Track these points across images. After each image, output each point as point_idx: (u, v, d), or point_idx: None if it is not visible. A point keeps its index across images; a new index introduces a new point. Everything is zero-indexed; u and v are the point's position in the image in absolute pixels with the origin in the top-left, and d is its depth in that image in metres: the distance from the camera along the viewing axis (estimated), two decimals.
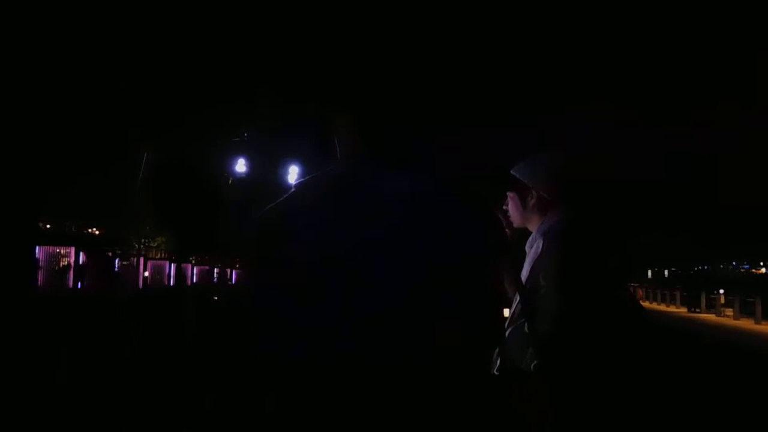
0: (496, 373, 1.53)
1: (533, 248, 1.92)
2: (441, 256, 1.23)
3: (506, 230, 2.04)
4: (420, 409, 1.18)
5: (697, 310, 24.23)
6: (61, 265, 19.32)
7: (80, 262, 19.72)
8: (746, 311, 20.25)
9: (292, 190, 1.41)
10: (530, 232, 2.01)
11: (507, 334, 1.86)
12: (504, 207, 2.05)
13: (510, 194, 2.02)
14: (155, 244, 40.16)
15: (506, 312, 1.99)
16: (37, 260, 19.14)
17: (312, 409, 1.20)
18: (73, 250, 21.17)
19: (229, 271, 34.22)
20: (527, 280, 1.87)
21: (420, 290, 1.21)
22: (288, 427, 1.22)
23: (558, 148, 2.03)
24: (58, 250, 20.83)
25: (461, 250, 1.25)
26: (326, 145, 1.40)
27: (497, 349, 1.83)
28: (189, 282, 29.10)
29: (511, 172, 2.01)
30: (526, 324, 1.80)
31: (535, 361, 1.71)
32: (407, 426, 1.18)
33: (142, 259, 27.60)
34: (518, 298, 1.88)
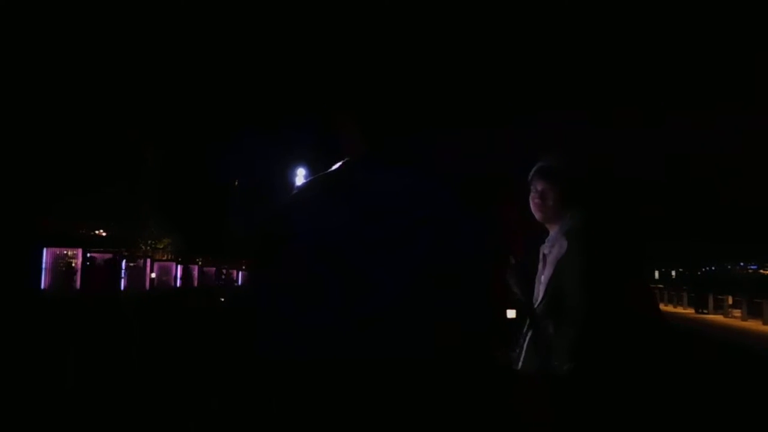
0: (515, 372, 1.52)
1: (555, 248, 1.90)
2: (441, 256, 1.23)
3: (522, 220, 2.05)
4: (420, 408, 1.18)
5: (705, 311, 24.07)
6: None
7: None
8: (754, 312, 20.10)
9: (294, 192, 1.42)
10: (546, 232, 2.00)
11: (529, 335, 1.86)
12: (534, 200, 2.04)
13: (533, 186, 2.03)
14: (162, 246, 40.25)
15: (513, 313, 1.98)
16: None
17: (313, 408, 1.20)
18: (80, 251, 21.26)
19: (235, 272, 34.28)
20: (550, 280, 1.86)
21: (420, 290, 1.21)
22: (290, 426, 1.23)
23: (583, 148, 2.03)
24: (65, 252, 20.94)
25: (461, 250, 1.25)
26: (328, 145, 1.41)
27: (517, 350, 1.83)
28: (195, 283, 29.15)
29: (541, 164, 2.03)
30: (551, 325, 1.79)
31: (567, 364, 1.70)
32: (408, 426, 1.18)
33: (148, 261, 27.71)
34: (540, 299, 1.87)
